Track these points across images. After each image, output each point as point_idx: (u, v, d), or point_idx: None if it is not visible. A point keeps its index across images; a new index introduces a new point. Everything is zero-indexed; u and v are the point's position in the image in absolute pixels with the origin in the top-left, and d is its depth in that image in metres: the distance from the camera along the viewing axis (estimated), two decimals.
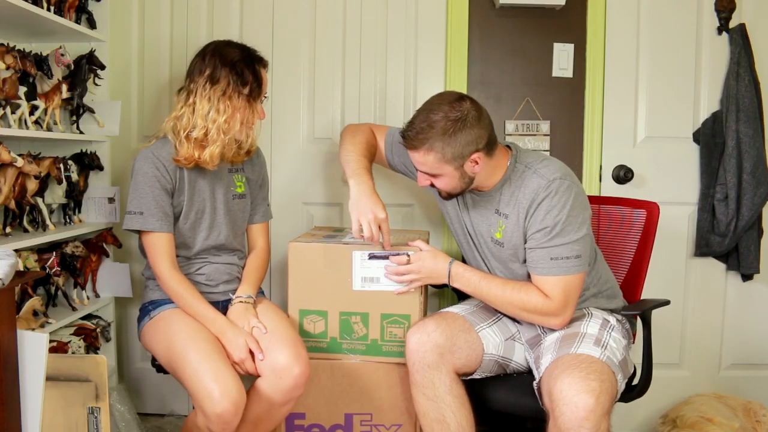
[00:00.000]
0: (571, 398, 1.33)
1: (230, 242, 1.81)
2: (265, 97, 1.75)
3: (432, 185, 1.64)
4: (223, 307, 1.76)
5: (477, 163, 1.56)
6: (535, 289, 1.57)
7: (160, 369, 1.75)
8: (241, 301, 1.73)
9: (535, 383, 1.52)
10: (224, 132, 1.66)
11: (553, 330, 1.62)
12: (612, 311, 1.68)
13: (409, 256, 1.68)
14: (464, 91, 2.19)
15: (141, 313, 1.78)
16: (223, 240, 1.79)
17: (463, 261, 1.79)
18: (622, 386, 1.49)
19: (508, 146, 1.67)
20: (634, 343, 1.73)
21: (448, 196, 1.67)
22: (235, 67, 1.65)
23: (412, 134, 1.54)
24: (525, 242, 1.59)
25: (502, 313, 1.73)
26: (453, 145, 1.51)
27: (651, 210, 1.81)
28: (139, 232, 1.71)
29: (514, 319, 1.71)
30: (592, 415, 1.31)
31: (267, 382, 1.61)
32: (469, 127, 1.51)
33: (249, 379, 1.73)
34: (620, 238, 1.88)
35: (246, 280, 1.81)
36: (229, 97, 1.65)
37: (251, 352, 1.62)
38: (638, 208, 1.86)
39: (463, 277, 1.64)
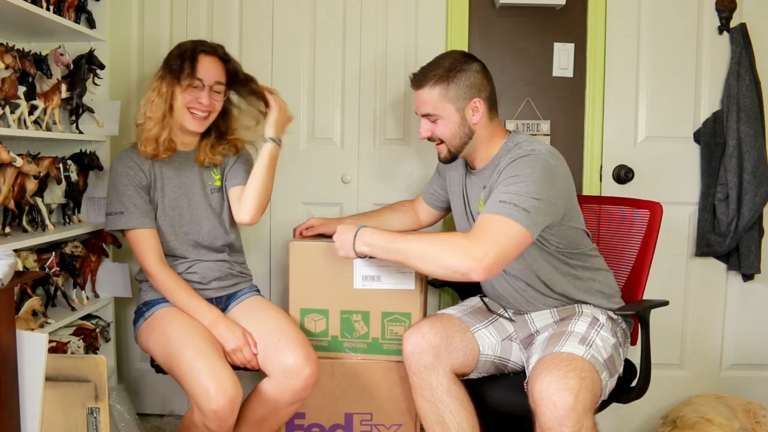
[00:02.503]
0: (550, 397, 1.33)
1: (216, 238, 1.81)
2: (199, 80, 1.70)
3: (431, 139, 1.66)
4: (216, 304, 1.76)
5: (477, 110, 1.60)
6: (459, 232, 1.53)
7: (159, 369, 1.75)
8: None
9: (525, 382, 1.51)
10: (148, 113, 1.70)
11: (544, 329, 1.62)
12: (607, 310, 1.67)
13: None
14: None
15: (136, 315, 1.79)
16: (206, 235, 1.79)
17: None
18: (609, 385, 1.49)
19: (509, 131, 1.69)
20: (635, 344, 1.72)
21: (449, 155, 1.66)
22: (169, 57, 1.72)
23: (420, 72, 1.64)
24: None
25: (498, 314, 1.73)
26: (457, 82, 1.59)
27: (654, 210, 1.80)
28: (123, 232, 1.72)
29: (509, 319, 1.71)
30: (572, 413, 1.31)
31: (275, 382, 1.61)
32: (475, 73, 1.61)
33: (250, 379, 1.72)
34: (620, 238, 1.88)
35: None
36: (158, 82, 1.71)
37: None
38: (641, 208, 1.85)
39: (371, 236, 1.54)
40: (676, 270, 2.26)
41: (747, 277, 2.23)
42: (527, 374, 1.51)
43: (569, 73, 2.22)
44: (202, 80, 1.70)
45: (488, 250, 1.39)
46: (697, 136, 2.22)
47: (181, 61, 1.69)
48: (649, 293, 1.81)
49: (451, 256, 1.42)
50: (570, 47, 2.21)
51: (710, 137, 2.19)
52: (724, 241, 2.18)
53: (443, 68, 1.60)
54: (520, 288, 1.66)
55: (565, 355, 1.43)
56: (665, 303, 1.69)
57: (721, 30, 2.19)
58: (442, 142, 1.65)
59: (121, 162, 1.74)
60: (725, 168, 2.16)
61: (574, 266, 1.64)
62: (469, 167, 1.73)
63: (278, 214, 2.29)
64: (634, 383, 1.66)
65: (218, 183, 1.83)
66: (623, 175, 2.21)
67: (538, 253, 1.60)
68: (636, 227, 1.85)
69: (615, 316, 1.65)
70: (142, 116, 1.73)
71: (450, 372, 1.58)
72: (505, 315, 1.73)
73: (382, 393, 1.77)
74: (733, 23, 2.17)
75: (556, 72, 2.22)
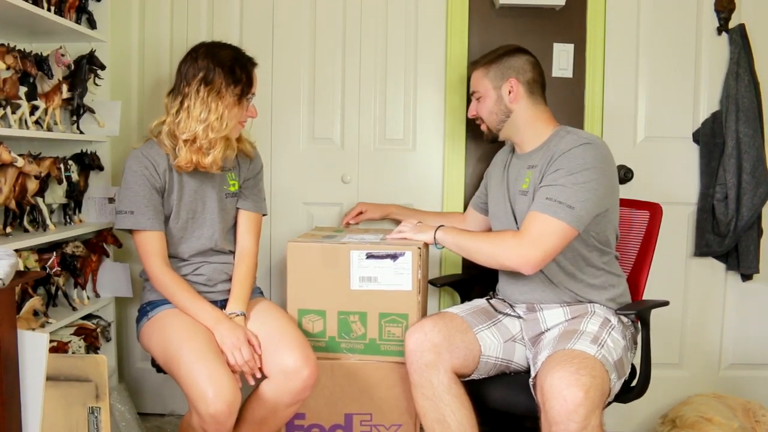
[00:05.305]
0: (561, 392, 1.34)
1: (225, 241, 1.82)
2: (253, 94, 1.77)
3: (477, 118, 1.80)
4: (222, 306, 1.76)
5: (513, 90, 1.70)
6: (511, 230, 1.65)
7: (160, 369, 1.75)
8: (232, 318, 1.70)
9: (530, 379, 1.52)
10: (215, 130, 1.67)
11: (554, 327, 1.63)
12: (617, 312, 1.68)
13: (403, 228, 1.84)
14: (463, 91, 2.20)
15: (139, 314, 1.79)
16: (217, 239, 1.79)
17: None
18: (616, 386, 1.50)
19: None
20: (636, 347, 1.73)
21: (489, 133, 1.79)
22: (227, 67, 1.68)
23: (480, 56, 1.81)
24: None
25: (505, 314, 1.74)
26: (498, 63, 1.73)
27: (654, 211, 1.81)
28: (131, 231, 1.72)
29: (517, 316, 1.72)
30: (581, 408, 1.32)
31: (274, 383, 1.61)
32: (518, 58, 1.73)
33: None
34: (621, 239, 1.88)
35: (234, 293, 1.75)
36: (221, 96, 1.67)
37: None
38: (641, 209, 1.86)
39: (444, 235, 1.72)
40: (675, 270, 2.27)
41: (746, 277, 2.23)
42: (534, 371, 1.52)
43: (569, 74, 2.23)
44: (254, 93, 1.77)
45: (533, 250, 1.55)
46: (696, 137, 2.23)
47: (246, 77, 1.71)
48: (649, 293, 1.81)
49: (503, 256, 1.60)
50: (569, 47, 2.21)
51: (709, 137, 2.19)
52: (723, 241, 2.18)
53: (495, 54, 1.76)
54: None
55: (577, 353, 1.44)
56: (665, 303, 1.69)
57: (720, 31, 2.19)
58: (483, 121, 1.78)
59: (137, 160, 1.70)
60: (724, 168, 2.16)
61: (596, 265, 1.66)
62: (516, 153, 1.80)
63: (278, 214, 2.29)
64: (634, 383, 1.66)
65: (233, 188, 1.83)
66: (623, 175, 2.22)
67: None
68: (636, 228, 1.85)
69: (625, 320, 1.67)
70: (194, 131, 1.66)
71: (451, 371, 1.59)
72: (514, 313, 1.74)
73: (381, 393, 1.77)
74: (731, 24, 2.17)
75: (556, 72, 2.22)
